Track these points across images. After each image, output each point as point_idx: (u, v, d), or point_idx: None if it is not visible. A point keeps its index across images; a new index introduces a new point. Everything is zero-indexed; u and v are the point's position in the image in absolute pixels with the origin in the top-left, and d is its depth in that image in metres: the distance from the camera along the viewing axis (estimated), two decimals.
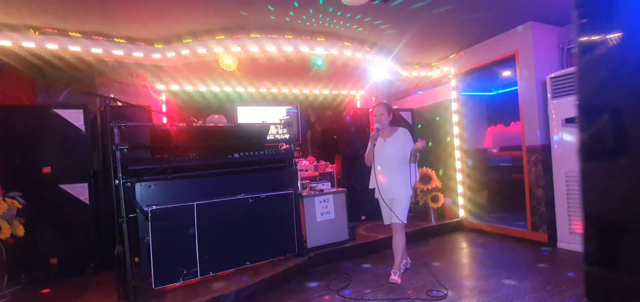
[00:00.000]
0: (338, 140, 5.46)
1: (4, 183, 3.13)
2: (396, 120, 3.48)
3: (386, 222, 3.40)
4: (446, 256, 4.07)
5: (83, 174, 3.67)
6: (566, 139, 3.87)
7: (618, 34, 0.77)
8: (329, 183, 4.63)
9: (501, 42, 4.54)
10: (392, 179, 3.25)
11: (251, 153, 3.48)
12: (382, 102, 3.45)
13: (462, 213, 5.24)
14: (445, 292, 2.97)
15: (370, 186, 3.43)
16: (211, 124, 3.87)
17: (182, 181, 3.12)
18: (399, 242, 3.28)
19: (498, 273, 3.34)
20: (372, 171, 3.38)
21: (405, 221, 3.26)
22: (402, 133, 3.31)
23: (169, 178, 3.02)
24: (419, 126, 6.01)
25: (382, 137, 3.32)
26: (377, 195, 3.35)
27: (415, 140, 3.21)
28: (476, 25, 4.25)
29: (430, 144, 5.87)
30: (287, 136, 4.73)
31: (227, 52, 4.17)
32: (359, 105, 6.35)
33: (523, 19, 4.14)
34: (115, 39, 3.84)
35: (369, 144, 3.36)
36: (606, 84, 0.81)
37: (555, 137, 3.98)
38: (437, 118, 5.68)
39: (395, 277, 3.21)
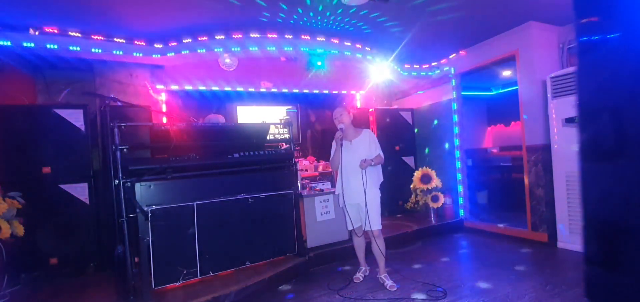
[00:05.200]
0: None
1: (4, 183, 3.13)
2: (357, 121, 3.38)
3: (350, 228, 3.29)
4: (446, 255, 4.07)
5: (83, 174, 3.67)
6: (566, 139, 3.87)
7: (618, 34, 0.77)
8: (329, 183, 4.63)
9: (501, 42, 4.54)
10: (364, 182, 3.08)
11: (251, 153, 3.48)
12: (340, 104, 3.41)
13: (462, 213, 5.24)
14: (444, 292, 2.97)
15: (337, 192, 3.31)
16: (210, 124, 3.88)
17: (182, 180, 3.11)
18: (381, 246, 3.16)
19: (498, 273, 3.34)
20: (339, 176, 3.21)
21: (381, 226, 3.17)
22: (368, 134, 3.23)
23: (168, 178, 3.02)
24: (416, 130, 6.02)
25: (348, 139, 3.18)
26: (343, 201, 3.20)
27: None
28: (476, 25, 4.25)
29: (426, 150, 5.87)
30: (287, 136, 4.73)
31: (227, 52, 4.17)
32: (359, 105, 6.35)
33: (523, 19, 4.14)
34: (115, 39, 3.84)
35: (334, 147, 3.23)
36: (606, 84, 0.81)
37: (555, 137, 3.98)
38: (437, 118, 5.68)
39: (390, 282, 3.14)
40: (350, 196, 3.14)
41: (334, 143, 3.26)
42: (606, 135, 0.81)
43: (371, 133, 3.29)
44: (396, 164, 5.60)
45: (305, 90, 5.88)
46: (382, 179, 3.27)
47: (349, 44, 4.46)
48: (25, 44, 3.43)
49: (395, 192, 5.44)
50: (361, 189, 3.08)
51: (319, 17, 3.77)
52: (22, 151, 3.44)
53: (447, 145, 5.47)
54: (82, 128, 3.68)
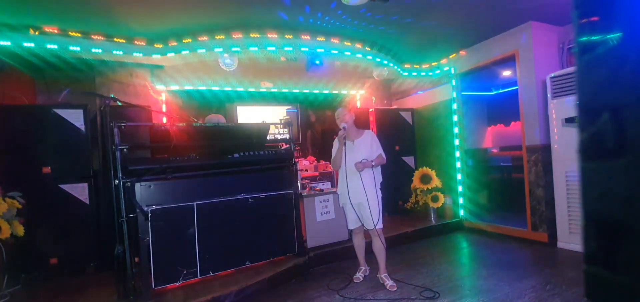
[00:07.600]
0: None
1: (4, 183, 3.13)
2: (357, 121, 3.41)
3: (351, 227, 3.32)
4: (446, 255, 4.07)
5: (83, 174, 3.67)
6: (566, 139, 3.87)
7: (618, 34, 0.77)
8: (329, 183, 4.63)
9: (501, 42, 4.54)
10: (365, 181, 3.12)
11: (251, 153, 3.48)
12: (343, 104, 3.40)
13: (462, 213, 5.24)
14: (443, 292, 2.97)
15: (339, 191, 3.32)
16: (211, 124, 3.87)
17: (182, 180, 3.11)
18: (381, 245, 3.18)
19: (498, 273, 3.34)
20: (342, 175, 3.21)
21: (382, 225, 3.18)
22: (369, 135, 3.25)
23: (168, 178, 3.02)
24: (416, 130, 6.01)
25: (351, 139, 3.19)
26: (344, 201, 3.25)
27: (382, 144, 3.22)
28: (476, 25, 4.25)
29: (427, 150, 5.87)
30: (287, 136, 4.73)
31: (227, 52, 4.17)
32: (359, 105, 6.35)
33: (523, 19, 4.14)
34: (115, 39, 3.83)
35: (336, 146, 3.24)
36: (606, 84, 0.81)
37: (555, 137, 3.98)
38: (437, 118, 5.67)
39: (390, 282, 3.15)
40: (352, 196, 3.15)
41: (336, 142, 3.26)
42: (606, 134, 0.80)
43: (373, 134, 3.31)
44: (396, 164, 5.60)
45: (305, 90, 5.88)
46: (381, 180, 3.28)
47: (349, 43, 4.46)
48: (25, 44, 3.43)
49: (395, 192, 5.44)
50: (363, 188, 3.10)
51: (319, 17, 3.77)
52: (22, 151, 3.44)
53: (447, 145, 5.46)
54: (82, 128, 3.68)
